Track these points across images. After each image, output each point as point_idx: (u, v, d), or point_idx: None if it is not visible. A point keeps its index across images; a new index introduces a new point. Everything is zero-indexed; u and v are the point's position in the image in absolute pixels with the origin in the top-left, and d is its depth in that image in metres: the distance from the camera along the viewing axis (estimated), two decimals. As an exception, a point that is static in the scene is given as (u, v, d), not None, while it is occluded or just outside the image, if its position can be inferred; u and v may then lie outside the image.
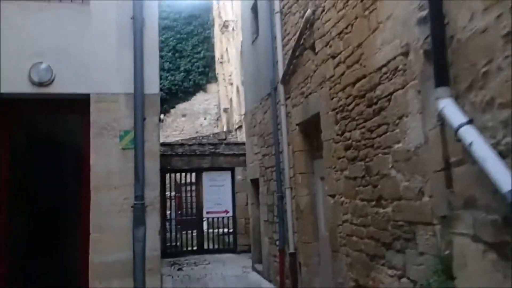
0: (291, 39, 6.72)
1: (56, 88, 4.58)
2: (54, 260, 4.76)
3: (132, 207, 4.43)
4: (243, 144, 12.90)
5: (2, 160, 4.49)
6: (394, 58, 3.80)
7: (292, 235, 6.69)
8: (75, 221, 4.62)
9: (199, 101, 25.93)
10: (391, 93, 3.88)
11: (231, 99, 22.31)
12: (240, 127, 19.83)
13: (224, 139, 15.87)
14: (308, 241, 6.29)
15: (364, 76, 4.38)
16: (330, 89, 5.23)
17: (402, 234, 3.71)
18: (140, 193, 4.44)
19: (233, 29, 20.20)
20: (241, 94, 19.93)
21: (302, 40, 6.09)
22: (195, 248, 12.63)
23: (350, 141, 4.70)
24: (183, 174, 12.97)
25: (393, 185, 3.85)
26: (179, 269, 10.28)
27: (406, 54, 3.63)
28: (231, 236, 13.07)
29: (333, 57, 5.13)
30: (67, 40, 4.64)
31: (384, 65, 3.97)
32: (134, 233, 4.37)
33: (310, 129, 6.30)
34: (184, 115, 25.62)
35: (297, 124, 6.51)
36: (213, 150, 12.79)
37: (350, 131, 4.71)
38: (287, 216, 6.81)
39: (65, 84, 4.60)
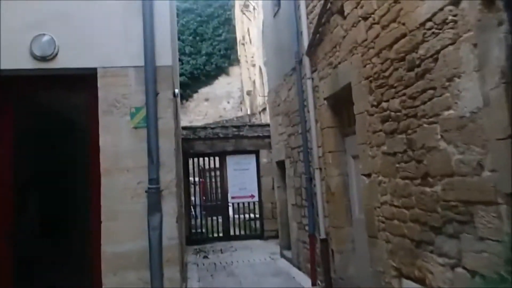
0: (316, 5, 6.13)
1: (60, 63, 4.16)
2: (63, 253, 4.41)
3: (146, 191, 4.00)
4: (268, 125, 12.39)
5: (6, 142, 4.12)
6: (441, 9, 3.21)
7: (323, 220, 6.19)
8: (85, 208, 4.23)
9: (221, 84, 25.47)
10: (438, 51, 3.30)
11: (254, 81, 21.76)
12: (264, 109, 19.31)
13: (248, 122, 15.38)
14: (340, 226, 5.78)
15: (404, 36, 3.79)
16: (362, 56, 4.65)
17: (456, 216, 3.16)
18: (155, 176, 4.00)
19: (254, 8, 19.55)
20: (264, 76, 19.36)
21: (328, 5, 5.50)
22: (221, 234, 12.28)
23: (387, 112, 4.13)
24: (207, 158, 12.57)
25: (443, 159, 3.29)
26: (204, 257, 9.94)
27: (456, 2, 3.05)
28: (257, 222, 12.66)
29: (365, 19, 4.55)
30: (70, 8, 4.20)
31: (429, 19, 3.38)
32: (149, 221, 3.95)
33: (340, 102, 5.74)
34: (207, 100, 25.23)
35: (325, 99, 5.96)
36: (236, 133, 12.33)
37: (387, 100, 4.15)
38: (317, 199, 6.30)
39: (69, 58, 4.17)
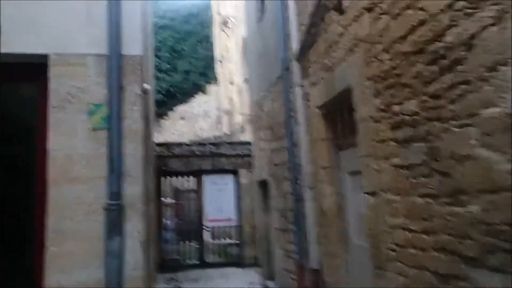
0: (307, 4, 5.51)
1: (2, 47, 3.36)
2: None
3: (104, 208, 3.18)
4: (248, 143, 11.68)
5: None
6: (479, -18, 2.57)
7: (315, 247, 5.43)
8: (26, 228, 3.37)
9: (198, 103, 24.73)
10: (473, 36, 2.65)
11: (232, 99, 21.12)
12: (242, 128, 18.64)
13: (227, 140, 14.65)
14: (335, 253, 5.03)
15: (422, 23, 3.14)
16: (365, 53, 4.00)
17: (502, 243, 2.47)
18: (116, 189, 3.20)
19: (233, 24, 19.07)
20: (243, 93, 18.78)
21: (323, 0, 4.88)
22: (196, 261, 11.33)
23: (400, 117, 3.45)
24: (181, 177, 11.70)
25: (481, 170, 2.59)
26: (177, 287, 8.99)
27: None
28: (236, 248, 11.78)
29: (370, 10, 3.91)
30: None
31: (460, -3, 2.75)
32: (107, 245, 3.12)
33: (336, 110, 5.07)
34: (183, 118, 24.41)
35: (317, 107, 5.28)
36: (214, 151, 11.54)
37: (399, 103, 3.47)
38: (307, 222, 5.55)
39: (14, 42, 3.38)
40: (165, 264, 11.01)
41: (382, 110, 3.72)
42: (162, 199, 11.95)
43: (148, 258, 4.72)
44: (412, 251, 3.34)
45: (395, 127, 3.53)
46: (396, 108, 3.51)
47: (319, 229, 5.34)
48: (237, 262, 11.33)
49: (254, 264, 10.99)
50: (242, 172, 11.54)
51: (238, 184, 11.56)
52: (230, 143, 12.15)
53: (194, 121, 24.79)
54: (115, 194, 3.19)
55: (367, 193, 4.03)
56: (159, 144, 11.57)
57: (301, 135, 5.69)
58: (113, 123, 3.28)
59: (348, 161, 4.99)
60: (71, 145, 3.28)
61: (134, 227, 3.25)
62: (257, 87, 8.50)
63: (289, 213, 6.57)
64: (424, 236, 3.19)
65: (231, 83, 21.06)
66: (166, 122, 24.71)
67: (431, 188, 3.08)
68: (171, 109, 24.54)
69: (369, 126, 3.95)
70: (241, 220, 11.40)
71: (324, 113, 5.24)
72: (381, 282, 3.83)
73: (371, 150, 3.92)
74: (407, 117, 3.36)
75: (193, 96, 24.83)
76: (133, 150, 3.36)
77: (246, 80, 17.97)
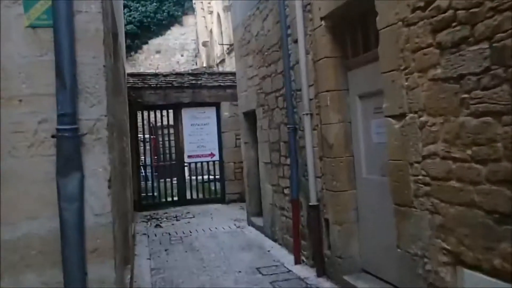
0: None
1: None
2: None
3: (54, 136, 2.33)
4: (231, 74, 10.76)
5: None
6: None
7: (314, 181, 4.74)
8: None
9: (174, 35, 23.24)
10: None
11: (211, 31, 19.77)
12: (222, 61, 17.53)
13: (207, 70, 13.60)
14: (340, 189, 4.35)
15: None
16: None
17: None
18: (70, 109, 2.34)
19: None
20: (223, 23, 17.45)
21: None
22: (176, 198, 10.69)
23: (449, 13, 2.63)
24: (159, 111, 10.77)
25: None
26: (157, 226, 8.35)
27: None
28: (217, 184, 11.15)
29: None
30: None
31: None
32: (60, 186, 2.30)
33: (346, 21, 4.20)
34: (158, 52, 22.98)
35: (322, 18, 4.38)
36: (194, 82, 10.57)
37: (447, -4, 2.63)
38: (306, 155, 4.81)
39: None
40: (143, 202, 10.35)
41: (420, 9, 2.87)
42: (139, 135, 11.08)
43: (121, 198, 3.97)
44: (455, 184, 2.65)
45: (440, 28, 2.70)
46: (442, 2, 2.66)
47: (321, 162, 4.63)
48: (219, 198, 10.76)
49: (237, 200, 10.47)
50: (225, 105, 10.67)
51: (219, 118, 10.73)
52: (211, 74, 11.16)
53: (170, 54, 23.39)
54: (69, 116, 2.33)
55: (390, 117, 3.26)
56: (133, 75, 10.52)
57: (300, 55, 4.82)
58: (60, 19, 2.34)
59: (359, 82, 4.19)
60: (3, 52, 2.35)
61: (98, 161, 2.42)
62: (243, 7, 7.44)
63: (283, 146, 5.83)
64: (477, 165, 2.48)
65: (210, 12, 19.60)
66: (140, 56, 23.24)
67: (495, 103, 2.31)
68: (146, 42, 23.03)
69: (397, 33, 3.12)
70: (223, 155, 10.69)
71: (330, 25, 4.36)
72: (405, 220, 3.16)
73: (399, 62, 3.12)
74: (460, 12, 2.53)
75: (169, 28, 23.24)
76: (92, 57, 2.46)
77: (227, 8, 16.63)
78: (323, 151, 4.54)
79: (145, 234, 7.68)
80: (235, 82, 10.22)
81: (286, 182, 5.80)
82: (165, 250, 6.43)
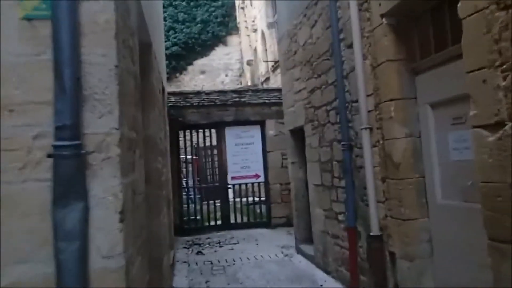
0: None
1: None
2: None
3: (50, 156, 1.81)
4: (275, 90, 10.23)
5: None
6: None
7: (375, 207, 4.02)
8: None
9: (219, 56, 23.11)
10: None
11: (255, 49, 19.44)
12: (267, 79, 17.08)
13: (251, 87, 13.14)
14: (410, 217, 3.61)
15: None
16: None
17: None
18: (70, 120, 1.82)
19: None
20: (267, 40, 17.07)
21: None
22: (219, 222, 10.14)
23: None
24: (201, 131, 10.35)
25: None
26: (198, 253, 7.80)
27: None
28: (263, 206, 10.53)
29: None
30: None
31: None
32: (58, 220, 1.77)
33: (413, 17, 3.54)
34: (203, 72, 22.89)
35: (383, 15, 3.73)
36: (237, 99, 10.10)
37: None
38: (366, 176, 4.11)
39: None
40: (185, 226, 9.87)
41: (524, -17, 2.19)
42: (181, 156, 10.71)
43: (141, 234, 3.44)
44: None
45: (556, 5, 2.00)
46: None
47: (383, 184, 3.92)
48: (265, 223, 10.10)
49: (285, 224, 9.79)
50: (270, 123, 10.11)
51: (264, 136, 10.16)
52: (255, 91, 10.67)
53: (215, 75, 23.26)
54: (69, 129, 1.80)
55: (481, 127, 2.55)
56: (174, 93, 10.20)
57: (356, 61, 4.18)
58: (60, 7, 1.85)
59: (430, 88, 3.49)
60: (-8, 47, 1.88)
61: (107, 187, 1.88)
62: (288, 16, 6.91)
63: (336, 166, 5.15)
64: None
65: (254, 30, 19.32)
66: (185, 77, 23.27)
67: None
68: (190, 63, 23.04)
69: (489, 19, 2.43)
70: (268, 176, 10.07)
71: (393, 23, 3.71)
72: (505, 261, 2.41)
73: (493, 57, 2.42)
74: None
75: (213, 48, 23.17)
76: (101, 56, 1.94)
77: (271, 24, 16.26)
78: (387, 171, 3.83)
79: (185, 262, 7.14)
80: (281, 99, 9.68)
81: (340, 207, 5.10)
82: (206, 282, 5.83)
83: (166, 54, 21.55)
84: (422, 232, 3.58)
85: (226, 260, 7.07)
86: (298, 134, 6.97)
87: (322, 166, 5.68)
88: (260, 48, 18.40)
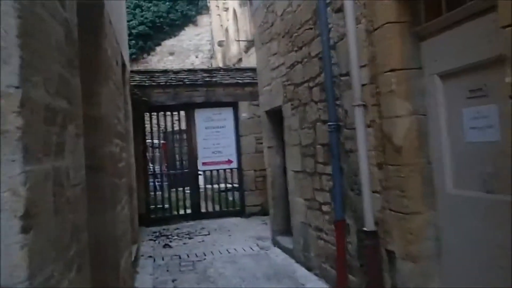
0: None
1: None
2: None
3: None
4: (249, 70, 9.55)
5: None
6: None
7: (370, 198, 3.43)
8: None
9: (188, 36, 22.14)
10: None
11: (226, 29, 18.61)
12: (239, 60, 16.34)
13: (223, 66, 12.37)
14: (414, 210, 3.04)
15: None
16: None
17: None
18: None
19: None
20: (240, 19, 16.29)
21: None
22: (189, 211, 9.45)
23: None
24: (169, 113, 9.58)
25: None
26: (166, 246, 7.11)
27: None
28: (236, 194, 9.88)
29: None
30: None
31: None
32: None
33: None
34: (171, 54, 21.91)
35: (384, -31, 3.11)
36: (208, 79, 9.36)
37: None
38: (359, 161, 3.51)
39: None
40: (152, 215, 9.15)
41: None
42: (148, 141, 9.93)
43: (66, 245, 2.76)
44: None
45: None
46: None
47: (379, 171, 3.34)
48: (239, 211, 9.48)
49: (259, 213, 9.21)
50: (243, 105, 9.43)
51: (237, 119, 9.49)
52: (227, 70, 9.94)
53: (184, 56, 22.31)
54: None
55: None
56: (139, 72, 9.38)
57: (348, 26, 3.55)
58: None
59: (440, 55, 2.90)
60: None
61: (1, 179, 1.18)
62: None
63: (320, 150, 4.55)
64: None
65: (225, 9, 18.45)
66: (153, 58, 22.23)
67: None
68: (159, 44, 22.01)
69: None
70: (242, 162, 9.43)
71: (395, -23, 3.08)
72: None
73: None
74: None
75: (182, 28, 22.18)
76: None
77: (244, 3, 15.46)
78: (385, 155, 3.24)
79: (151, 256, 6.46)
80: (255, 79, 8.99)
81: (324, 197, 4.52)
82: (173, 281, 5.18)
83: (132, 33, 20.53)
84: (428, 227, 3.02)
85: (196, 254, 6.42)
86: (275, 116, 6.33)
87: (303, 151, 5.07)
88: (232, 29, 17.59)
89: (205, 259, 6.15)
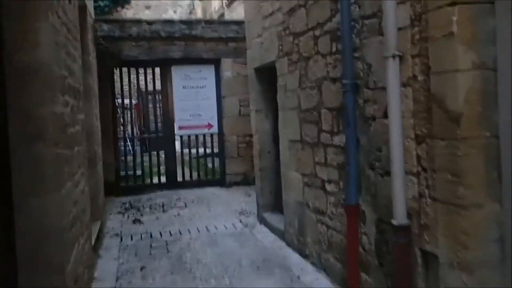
0: None
1: None
2: None
3: None
4: (235, 22, 8.49)
5: None
6: None
7: (401, 180, 2.57)
8: None
9: (166, -12, 20.59)
10: None
11: (208, -19, 17.19)
12: (221, 15, 15.10)
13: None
14: (472, 201, 2.19)
15: None
16: None
17: None
18: None
19: None
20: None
21: None
22: (163, 179, 8.52)
23: None
24: (142, 70, 8.47)
25: None
26: (135, 221, 6.21)
27: None
28: (216, 161, 8.98)
29: None
30: None
31: None
32: None
33: None
34: (148, 7, 20.43)
35: None
36: (187, 32, 8.24)
37: None
38: (389, 131, 2.61)
39: None
40: (122, 184, 8.20)
41: None
42: (117, 99, 8.84)
43: None
44: None
45: None
46: None
47: (418, 146, 2.46)
48: (219, 180, 8.60)
49: (241, 183, 8.38)
50: (226, 62, 8.39)
51: (219, 78, 8.46)
52: (209, 22, 8.80)
53: (161, 10, 20.85)
54: None
55: None
56: (107, 21, 8.17)
57: None
58: None
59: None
60: None
61: None
62: None
63: (327, 115, 3.65)
64: None
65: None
66: (128, 12, 20.61)
67: None
68: (134, -4, 20.41)
69: None
70: (223, 126, 8.48)
71: None
72: None
73: None
74: None
75: (160, -20, 20.62)
76: None
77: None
78: (433, 125, 2.36)
79: (117, 235, 5.57)
80: (239, 34, 8.01)
81: (331, 174, 3.65)
82: (141, 270, 4.30)
83: (104, -17, 18.87)
84: (492, 226, 2.19)
85: (170, 233, 5.56)
86: (266, 73, 5.38)
87: (302, 116, 4.16)
88: (213, -20, 16.23)
89: (180, 239, 5.29)
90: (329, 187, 3.70)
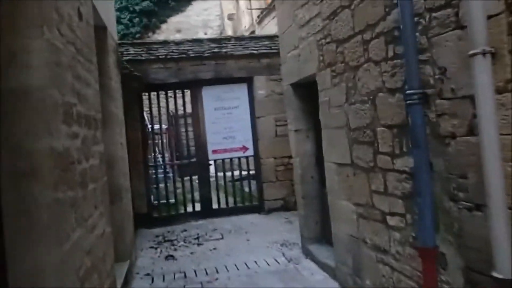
0: None
1: None
2: None
3: None
4: (267, 37, 8.01)
5: None
6: None
7: (505, 221, 1.90)
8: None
9: (196, 11, 20.53)
10: None
11: (237, 1, 16.92)
12: (252, 33, 14.70)
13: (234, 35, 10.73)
14: None
15: None
16: None
17: None
18: None
19: None
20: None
21: None
22: (197, 207, 7.98)
23: None
24: (171, 93, 8.06)
25: None
26: (168, 257, 5.66)
27: None
28: (253, 184, 8.36)
29: None
30: None
31: None
32: None
33: None
34: (178, 31, 20.32)
35: None
36: (216, 50, 7.80)
37: None
38: (481, 153, 1.96)
39: None
40: (154, 214, 7.71)
41: None
42: (148, 125, 8.45)
43: None
44: None
45: None
46: None
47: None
48: (257, 207, 7.98)
49: (281, 209, 7.76)
50: (259, 80, 7.87)
51: (253, 97, 7.94)
52: (239, 39, 8.32)
53: (192, 33, 20.68)
54: None
55: None
56: (134, 44, 7.83)
57: None
58: None
59: None
60: None
61: None
62: None
63: (385, 134, 3.01)
64: None
65: (234, -22, 16.75)
66: (159, 37, 20.68)
67: None
68: (164, 21, 20.48)
69: None
70: (259, 148, 7.91)
71: None
72: None
73: None
74: None
75: (189, 3, 20.57)
76: None
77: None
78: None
79: (148, 274, 5.03)
80: (272, 49, 7.53)
81: (393, 205, 2.99)
82: (172, 321, 3.74)
83: (135, 10, 19.02)
84: None
85: (206, 271, 4.98)
86: (305, 89, 4.79)
87: (353, 135, 3.53)
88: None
89: (217, 279, 4.70)
90: (392, 221, 3.04)
